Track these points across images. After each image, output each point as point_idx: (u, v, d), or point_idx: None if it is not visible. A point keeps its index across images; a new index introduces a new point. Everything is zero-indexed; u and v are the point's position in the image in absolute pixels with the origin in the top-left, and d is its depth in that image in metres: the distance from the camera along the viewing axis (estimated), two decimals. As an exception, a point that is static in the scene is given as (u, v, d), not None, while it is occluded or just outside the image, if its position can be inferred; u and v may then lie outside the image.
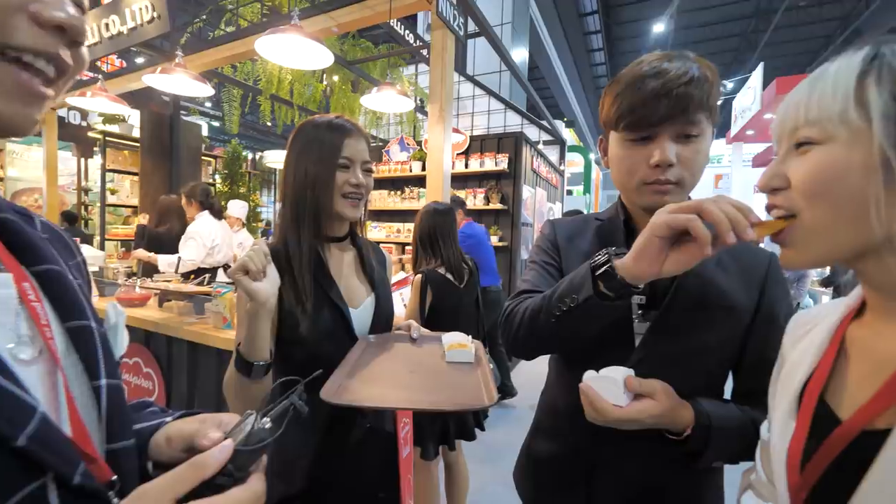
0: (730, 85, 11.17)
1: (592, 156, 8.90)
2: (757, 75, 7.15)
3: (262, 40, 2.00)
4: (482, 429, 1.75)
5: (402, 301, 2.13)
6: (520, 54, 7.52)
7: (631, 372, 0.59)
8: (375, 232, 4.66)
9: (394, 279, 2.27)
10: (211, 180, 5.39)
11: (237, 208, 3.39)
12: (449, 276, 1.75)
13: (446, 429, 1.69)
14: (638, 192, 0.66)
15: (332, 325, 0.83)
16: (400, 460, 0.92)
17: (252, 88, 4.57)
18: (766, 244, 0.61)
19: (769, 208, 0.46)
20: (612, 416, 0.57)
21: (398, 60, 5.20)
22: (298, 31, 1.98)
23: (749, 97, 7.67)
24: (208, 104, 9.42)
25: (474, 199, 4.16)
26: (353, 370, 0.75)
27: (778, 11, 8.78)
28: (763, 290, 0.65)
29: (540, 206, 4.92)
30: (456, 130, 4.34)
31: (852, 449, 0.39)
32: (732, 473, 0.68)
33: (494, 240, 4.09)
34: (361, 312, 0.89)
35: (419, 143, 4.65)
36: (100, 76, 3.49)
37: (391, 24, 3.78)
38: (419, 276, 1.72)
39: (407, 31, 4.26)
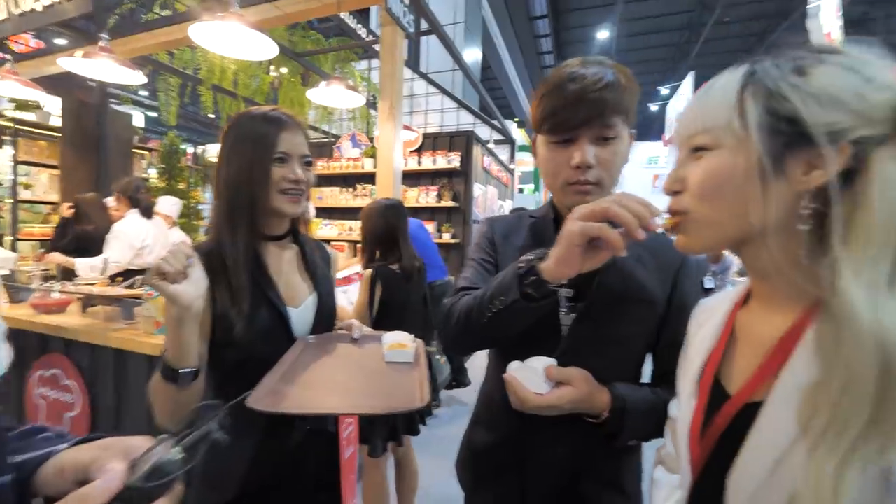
0: (665, 91, 11.91)
1: (542, 155, 9.15)
2: (688, 83, 7.67)
3: (196, 27, 1.86)
4: (424, 423, 1.76)
5: (347, 299, 2.08)
6: (473, 54, 7.58)
7: (553, 362, 0.63)
8: (327, 229, 4.53)
9: (344, 273, 2.21)
10: (145, 175, 4.98)
11: (167, 205, 3.12)
12: (399, 272, 1.74)
13: (395, 425, 1.68)
14: (563, 191, 0.70)
15: (269, 325, 0.80)
16: (342, 461, 0.89)
17: (192, 78, 4.27)
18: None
19: (669, 210, 0.50)
20: (532, 404, 0.60)
21: (350, 55, 5.06)
22: (238, 18, 1.87)
23: (681, 103, 8.22)
24: (144, 93, 8.69)
25: (427, 197, 4.15)
26: (287, 373, 0.72)
27: (707, 25, 9.47)
28: (676, 283, 0.70)
29: (491, 204, 5.00)
30: (408, 128, 4.30)
31: (737, 420, 0.44)
32: (650, 451, 0.72)
33: (447, 237, 4.10)
34: (302, 312, 0.86)
35: (371, 140, 4.57)
36: (9, 57, 3.11)
37: (342, 17, 3.67)
38: (369, 271, 1.69)
39: (359, 25, 4.15)
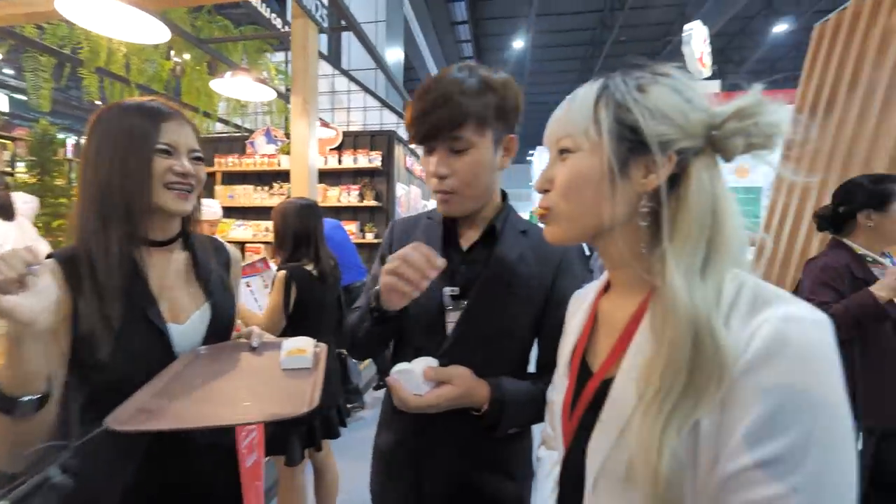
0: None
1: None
2: (593, 94, 8.35)
3: (63, 0, 1.61)
4: (344, 426, 1.72)
5: (251, 293, 1.94)
6: (395, 54, 7.51)
7: (434, 362, 0.65)
8: (240, 230, 4.21)
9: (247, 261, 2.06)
10: (8, 169, 4.19)
11: (18, 203, 2.54)
12: (315, 273, 1.67)
13: (312, 430, 1.61)
14: (434, 195, 0.74)
15: (146, 346, 0.71)
16: (242, 471, 0.84)
17: (70, 58, 3.68)
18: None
19: (540, 206, 0.54)
20: (412, 404, 0.63)
21: (264, 45, 4.73)
22: (118, -5, 1.65)
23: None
24: (7, 71, 7.31)
25: (348, 196, 4.04)
26: (165, 388, 0.66)
27: (607, 43, 10.41)
28: (555, 279, 0.74)
29: (415, 204, 5.01)
30: (326, 125, 4.14)
31: (596, 396, 0.49)
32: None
33: (370, 236, 4.03)
34: (188, 328, 0.77)
35: (289, 136, 4.33)
36: None
37: (254, 5, 3.41)
38: (283, 272, 1.60)
39: (274, 15, 3.90)
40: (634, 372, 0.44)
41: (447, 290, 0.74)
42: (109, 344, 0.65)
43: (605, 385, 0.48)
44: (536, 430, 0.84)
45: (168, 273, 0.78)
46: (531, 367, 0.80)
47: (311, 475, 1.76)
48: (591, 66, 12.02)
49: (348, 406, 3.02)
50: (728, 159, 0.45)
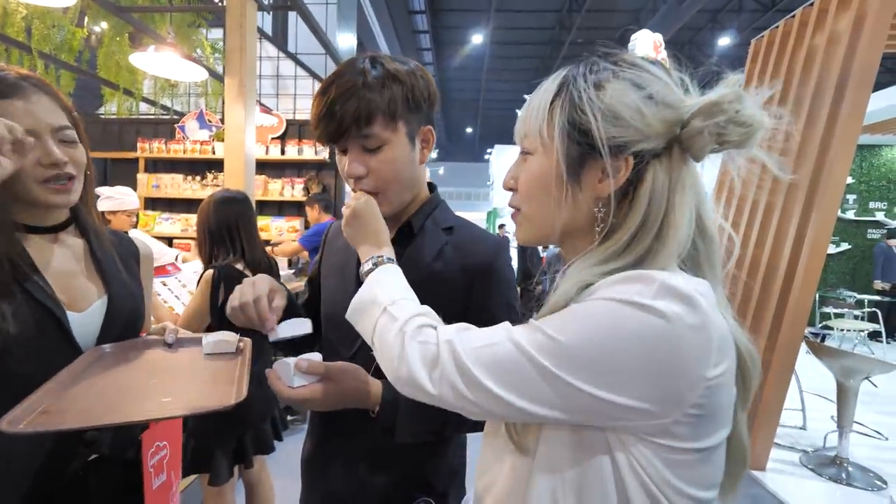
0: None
1: (421, 152, 9.35)
2: (550, 94, 8.65)
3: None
4: (280, 439, 1.65)
5: (171, 291, 1.82)
6: (347, 39, 7.33)
7: (316, 357, 0.63)
8: (167, 224, 3.93)
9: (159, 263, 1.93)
10: None
11: None
12: (247, 272, 1.58)
13: (242, 445, 1.53)
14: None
15: (38, 334, 0.65)
16: (147, 494, 0.77)
17: (-45, 18, 3.25)
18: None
19: (510, 206, 0.54)
20: (285, 396, 0.61)
21: (197, 19, 4.43)
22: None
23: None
24: None
25: (292, 190, 3.89)
26: (65, 387, 0.61)
27: (565, 43, 10.82)
28: (476, 281, 0.72)
29: (366, 199, 4.92)
30: (267, 111, 3.97)
31: None
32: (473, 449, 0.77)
33: (315, 233, 3.90)
34: (87, 317, 0.72)
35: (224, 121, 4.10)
36: None
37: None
38: (210, 271, 1.51)
39: (210, -14, 3.66)
40: None
41: None
42: None
43: None
44: (472, 451, 0.84)
45: (59, 260, 0.72)
46: None
47: (243, 494, 1.67)
48: (550, 66, 12.42)
49: (289, 417, 2.91)
50: (697, 159, 0.44)
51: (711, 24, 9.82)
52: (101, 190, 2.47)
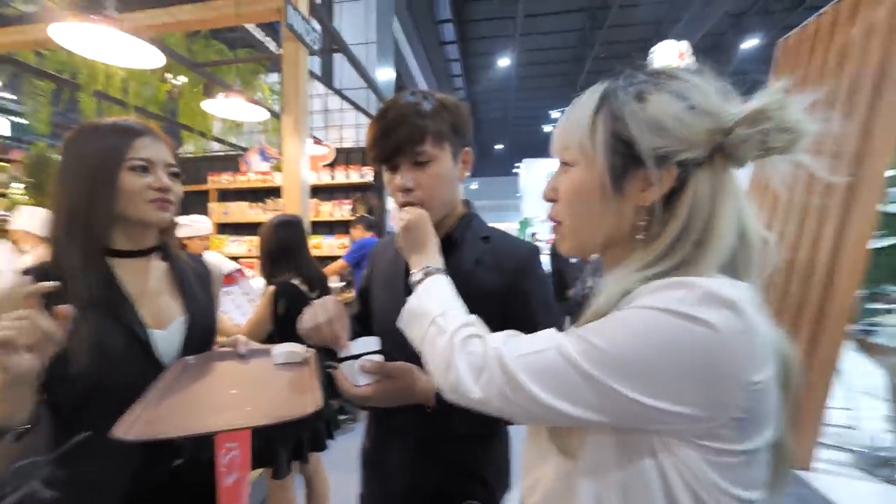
0: (556, 115, 13.04)
1: (456, 169, 9.41)
2: (576, 108, 8.47)
3: (57, 27, 1.62)
4: (332, 437, 1.70)
5: (232, 301, 1.92)
6: (386, 73, 7.58)
7: (376, 357, 0.65)
8: (234, 246, 4.19)
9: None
10: (4, 190, 4.15)
11: (25, 219, 2.25)
12: (304, 287, 1.66)
13: (300, 442, 1.59)
14: (400, 211, 0.75)
15: (123, 351, 0.70)
16: (220, 491, 0.82)
17: (68, 82, 3.68)
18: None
19: (549, 217, 0.53)
20: (351, 394, 0.63)
21: (257, 67, 4.76)
22: (111, 23, 1.66)
23: (572, 125, 9.04)
24: (8, 96, 7.26)
25: (341, 210, 4.04)
26: (161, 397, 0.65)
27: (588, 59, 10.61)
28: (515, 280, 0.74)
29: (407, 216, 5.01)
30: (319, 142, 4.16)
31: None
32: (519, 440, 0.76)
33: (363, 249, 4.01)
34: (169, 335, 0.77)
35: (282, 154, 4.33)
36: None
37: (248, 29, 3.45)
38: (272, 287, 1.60)
39: (268, 38, 3.94)
40: None
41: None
42: (86, 354, 0.64)
43: None
44: (516, 437, 0.84)
45: (146, 282, 0.77)
46: None
47: (303, 488, 1.73)
48: (575, 81, 12.21)
49: (340, 417, 2.99)
50: (739, 166, 0.42)
51: (735, 28, 9.31)
52: (179, 219, 2.67)
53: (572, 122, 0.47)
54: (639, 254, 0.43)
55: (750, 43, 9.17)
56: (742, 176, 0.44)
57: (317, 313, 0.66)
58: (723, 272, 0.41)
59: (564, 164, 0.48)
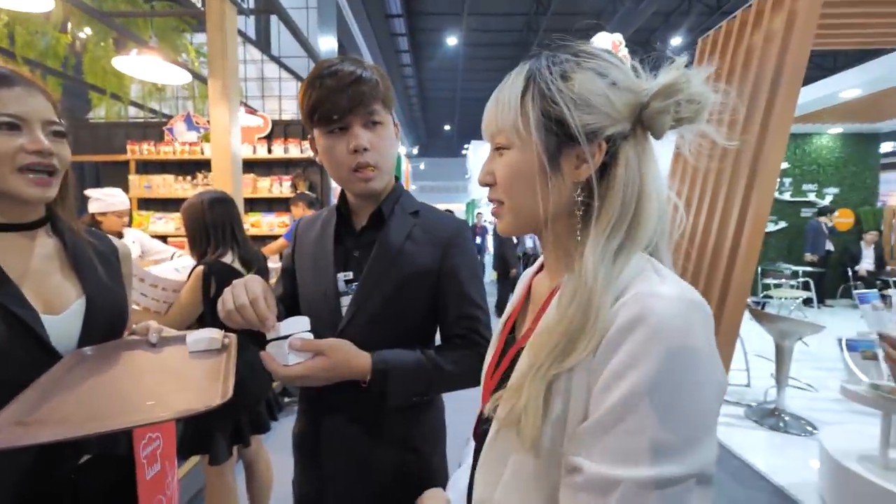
0: (505, 98, 13.16)
1: (403, 149, 9.25)
2: (520, 92, 8.61)
3: None
4: (275, 419, 1.63)
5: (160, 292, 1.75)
6: (328, 42, 7.10)
7: (307, 336, 0.63)
8: (161, 224, 3.79)
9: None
10: None
11: None
12: (237, 265, 1.54)
13: (239, 426, 1.51)
14: (348, 181, 0.71)
15: (8, 341, 0.60)
16: (140, 484, 0.75)
17: (-68, 24, 3.01)
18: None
19: (490, 200, 0.52)
20: (281, 374, 0.60)
21: (181, 24, 4.22)
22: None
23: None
24: None
25: (280, 187, 3.79)
26: (45, 394, 0.56)
27: (533, 44, 10.75)
28: (444, 254, 0.75)
29: (352, 194, 4.84)
30: (252, 112, 3.84)
31: (514, 361, 0.49)
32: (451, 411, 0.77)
33: (305, 227, 3.82)
34: (66, 319, 0.67)
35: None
36: None
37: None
38: (201, 267, 1.46)
39: (191, -8, 3.47)
40: (532, 342, 0.45)
41: (341, 276, 0.74)
42: None
43: (520, 353, 0.49)
44: (448, 403, 0.85)
45: (30, 260, 0.66)
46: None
47: (243, 473, 1.66)
48: (520, 66, 12.37)
49: (284, 399, 2.88)
50: (658, 137, 0.44)
51: (664, 26, 9.90)
52: (90, 192, 2.36)
53: (502, 105, 0.46)
54: (592, 230, 0.43)
55: (677, 41, 9.81)
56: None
57: (237, 294, 0.59)
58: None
59: (499, 147, 0.48)
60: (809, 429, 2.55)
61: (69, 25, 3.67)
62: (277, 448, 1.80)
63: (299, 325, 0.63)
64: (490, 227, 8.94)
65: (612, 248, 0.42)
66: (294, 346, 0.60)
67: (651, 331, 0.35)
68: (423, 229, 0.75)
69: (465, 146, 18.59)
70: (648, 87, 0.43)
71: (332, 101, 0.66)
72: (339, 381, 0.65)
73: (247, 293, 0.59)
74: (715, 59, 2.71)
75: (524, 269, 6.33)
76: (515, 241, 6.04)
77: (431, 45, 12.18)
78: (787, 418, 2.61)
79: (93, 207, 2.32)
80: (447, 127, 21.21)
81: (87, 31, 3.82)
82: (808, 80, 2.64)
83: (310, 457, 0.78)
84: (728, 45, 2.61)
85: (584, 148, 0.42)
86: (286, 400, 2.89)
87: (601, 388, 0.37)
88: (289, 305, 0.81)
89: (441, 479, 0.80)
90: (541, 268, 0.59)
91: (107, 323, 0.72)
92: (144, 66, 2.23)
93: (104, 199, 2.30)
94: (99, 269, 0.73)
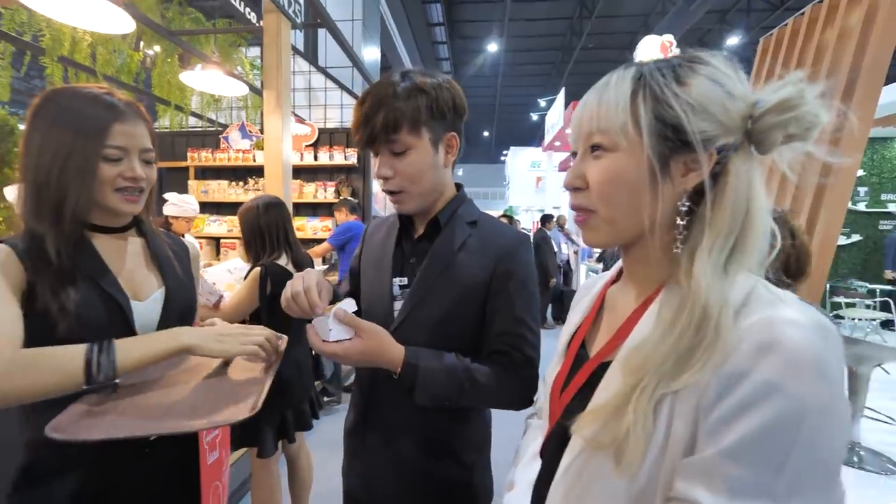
0: (543, 103, 13.02)
1: (441, 155, 9.33)
2: (560, 97, 8.49)
3: (21, -15, 1.49)
4: (317, 417, 1.69)
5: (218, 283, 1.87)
6: (372, 52, 7.36)
7: (352, 305, 0.66)
8: (215, 226, 4.05)
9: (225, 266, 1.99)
10: (-37, 159, 3.88)
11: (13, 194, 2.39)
12: (290, 268, 1.62)
13: (285, 422, 1.58)
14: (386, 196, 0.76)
15: (106, 320, 0.68)
16: (202, 468, 0.81)
17: (31, 46, 3.42)
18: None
19: (574, 207, 0.49)
20: (318, 348, 0.63)
21: (238, 39, 4.53)
22: (79, -18, 1.54)
23: (556, 115, 9.07)
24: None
25: (325, 192, 3.95)
26: (117, 385, 0.63)
27: (576, 49, 10.57)
28: (496, 267, 0.73)
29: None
30: (301, 121, 4.03)
31: (593, 377, 0.48)
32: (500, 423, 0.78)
33: (346, 232, 3.95)
34: (148, 306, 0.75)
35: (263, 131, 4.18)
36: None
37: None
38: (258, 269, 1.56)
39: (248, 9, 3.74)
40: (626, 358, 0.42)
41: (396, 281, 0.76)
42: (66, 320, 0.64)
43: (603, 368, 0.46)
44: (496, 419, 0.85)
45: (123, 255, 0.76)
46: None
47: (286, 467, 1.72)
48: (563, 70, 12.17)
49: (325, 399, 2.98)
50: (764, 153, 0.41)
51: (720, 25, 9.41)
52: (169, 196, 2.65)
53: (607, 105, 0.44)
54: (695, 246, 0.41)
55: (733, 40, 9.30)
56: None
57: (294, 284, 0.66)
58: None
59: (598, 149, 0.45)
60: (890, 466, 2.29)
61: (141, 44, 4.06)
62: (316, 446, 1.86)
63: (346, 306, 0.67)
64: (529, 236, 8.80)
65: (722, 259, 0.40)
66: (337, 316, 0.63)
67: (787, 360, 0.33)
68: (479, 240, 0.75)
69: (504, 152, 18.52)
70: (764, 100, 0.40)
71: (359, 133, 0.70)
72: (385, 377, 0.68)
73: (302, 283, 0.65)
74: (779, 60, 2.55)
75: (563, 279, 6.20)
76: (556, 249, 5.91)
77: (471, 51, 12.29)
78: (863, 454, 2.35)
79: (167, 210, 2.59)
80: (486, 133, 21.25)
81: (157, 48, 4.19)
82: (888, 80, 2.41)
83: (356, 450, 0.81)
84: (795, 44, 2.45)
85: (700, 155, 0.40)
86: (325, 399, 2.98)
87: (726, 415, 0.34)
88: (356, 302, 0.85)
89: (481, 493, 0.79)
90: (615, 279, 0.56)
91: (181, 311, 0.80)
92: (207, 80, 2.42)
93: (179, 205, 2.59)
94: (175, 265, 0.82)
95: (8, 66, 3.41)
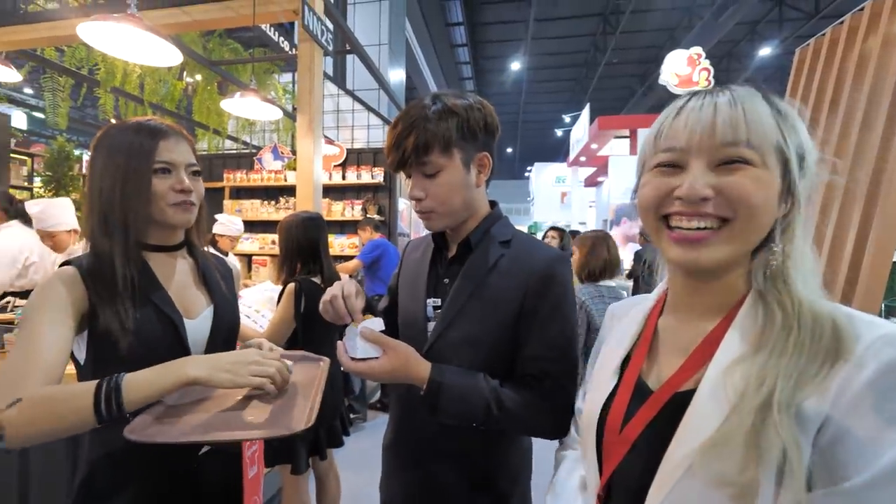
0: (568, 119, 13.01)
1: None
2: (585, 113, 8.47)
3: (86, 26, 1.65)
4: (347, 434, 1.70)
5: (253, 312, 1.93)
6: (397, 74, 7.63)
7: (379, 324, 0.67)
8: (248, 244, 4.22)
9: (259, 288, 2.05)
10: (25, 183, 4.23)
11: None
12: (322, 285, 1.66)
13: (317, 439, 1.59)
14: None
15: (161, 337, 0.72)
16: (245, 482, 0.84)
17: (87, 78, 3.74)
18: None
19: (693, 216, 0.45)
20: (346, 364, 0.65)
21: (272, 66, 4.81)
22: (135, 21, 1.69)
23: (580, 130, 9.05)
24: (28, 90, 7.38)
25: (352, 210, 4.05)
26: (180, 397, 0.67)
27: (600, 65, 10.59)
28: (529, 288, 0.71)
29: (416, 218, 5.02)
30: (331, 142, 4.19)
31: (665, 409, 0.46)
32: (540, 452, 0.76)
33: (373, 249, 4.03)
34: (199, 324, 0.79)
35: (295, 153, 4.37)
36: None
37: (263, 29, 3.48)
38: (293, 284, 1.59)
39: (281, 38, 3.97)
40: (721, 382, 0.42)
41: (430, 302, 0.77)
42: (126, 338, 0.68)
43: (678, 397, 0.45)
44: (537, 447, 0.82)
45: (175, 274, 0.80)
46: None
47: (313, 484, 1.73)
48: (587, 87, 12.19)
49: (351, 416, 2.99)
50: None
51: (750, 36, 9.24)
52: (220, 216, 2.91)
53: (756, 118, 0.43)
54: (787, 268, 0.44)
55: (765, 51, 9.09)
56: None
57: (333, 289, 0.71)
58: None
59: (737, 161, 0.43)
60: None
61: (184, 73, 4.36)
62: (343, 464, 1.86)
63: (374, 325, 0.68)
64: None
65: (807, 261, 0.44)
66: (364, 335, 0.65)
67: None
68: (511, 260, 0.74)
69: (528, 168, 18.53)
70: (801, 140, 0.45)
71: (391, 155, 0.72)
72: (417, 394, 0.68)
73: (342, 290, 0.70)
74: (818, 69, 2.48)
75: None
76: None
77: (494, 71, 12.51)
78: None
79: (216, 228, 2.82)
80: (509, 150, 21.38)
81: (198, 77, 4.49)
82: (941, 87, 2.29)
83: (393, 467, 0.81)
84: (835, 53, 2.37)
85: (797, 184, 0.43)
86: (352, 416, 2.99)
87: (870, 434, 0.36)
88: (389, 322, 0.85)
89: None
90: (658, 307, 0.54)
91: (228, 329, 0.84)
92: (245, 106, 2.56)
93: (227, 224, 2.83)
94: (221, 284, 0.86)
95: (68, 98, 3.74)
